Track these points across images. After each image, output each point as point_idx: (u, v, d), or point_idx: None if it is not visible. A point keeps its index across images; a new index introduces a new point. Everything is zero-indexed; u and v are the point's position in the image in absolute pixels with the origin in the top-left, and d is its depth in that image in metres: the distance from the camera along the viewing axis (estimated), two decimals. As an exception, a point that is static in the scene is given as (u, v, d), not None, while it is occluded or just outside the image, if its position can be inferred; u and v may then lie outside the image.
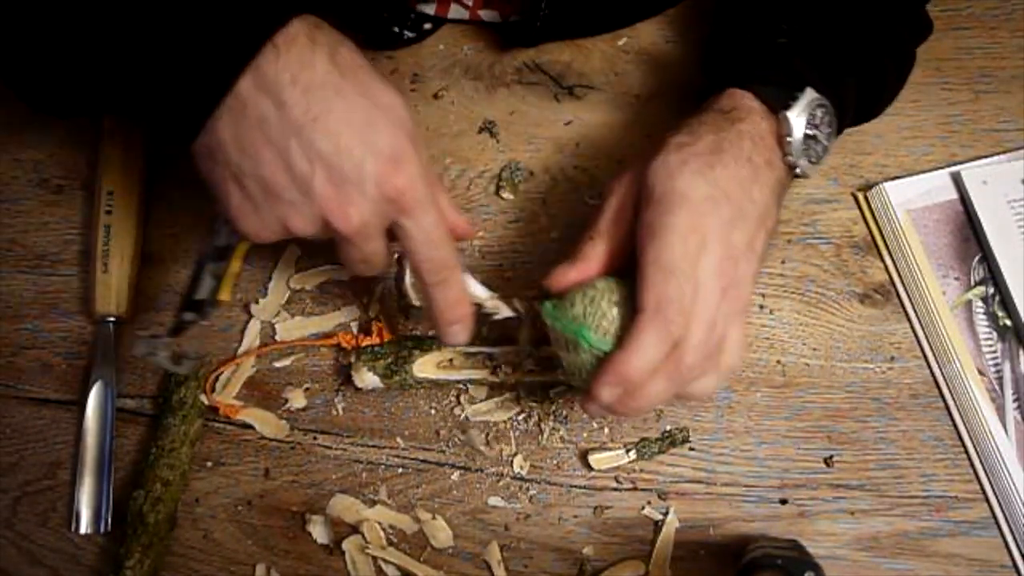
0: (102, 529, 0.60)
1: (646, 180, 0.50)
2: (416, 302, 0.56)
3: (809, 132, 0.53)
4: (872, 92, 0.59)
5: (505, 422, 0.61)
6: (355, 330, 0.63)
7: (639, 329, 0.47)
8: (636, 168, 0.52)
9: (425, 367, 0.59)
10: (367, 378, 0.59)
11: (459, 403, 0.62)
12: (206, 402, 0.61)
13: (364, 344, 0.61)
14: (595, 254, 0.52)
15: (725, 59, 0.59)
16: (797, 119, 0.53)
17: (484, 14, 0.67)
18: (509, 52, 0.69)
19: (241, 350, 0.63)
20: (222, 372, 0.62)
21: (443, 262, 0.50)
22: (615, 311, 0.49)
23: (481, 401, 0.61)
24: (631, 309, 0.48)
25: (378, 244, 0.49)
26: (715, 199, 0.49)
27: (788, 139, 0.53)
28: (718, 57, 0.61)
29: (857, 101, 0.58)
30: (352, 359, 0.60)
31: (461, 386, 0.62)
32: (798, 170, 0.54)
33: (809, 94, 0.54)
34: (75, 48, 0.47)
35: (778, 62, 0.55)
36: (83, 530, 0.60)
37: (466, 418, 0.61)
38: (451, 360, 0.60)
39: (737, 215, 0.50)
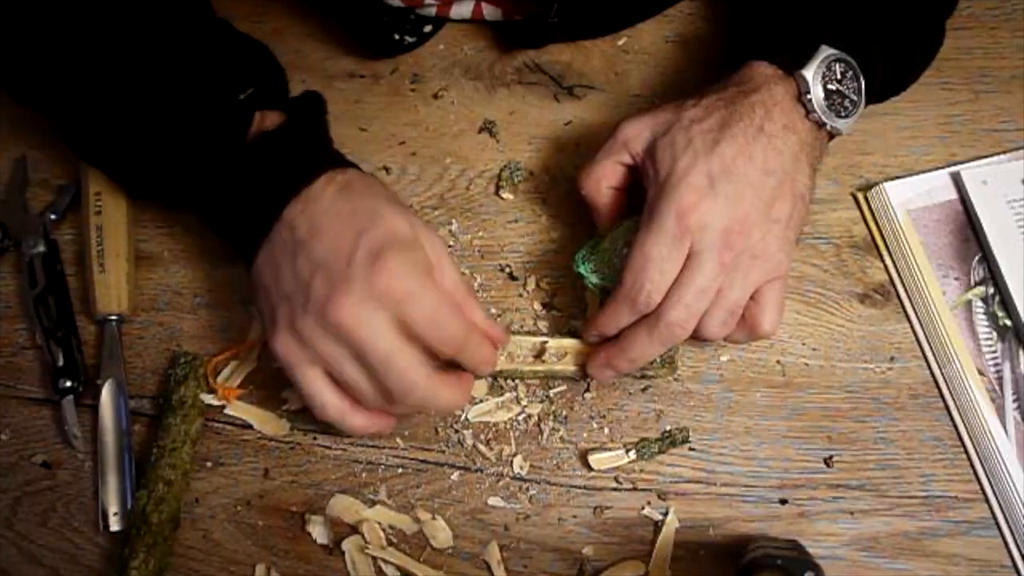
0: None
1: (654, 155, 0.54)
2: None
3: (831, 87, 0.55)
4: (901, 61, 0.60)
5: (505, 422, 0.61)
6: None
7: (610, 303, 0.55)
8: (651, 128, 0.56)
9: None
10: None
11: (459, 403, 0.62)
12: (206, 400, 0.61)
13: None
14: (611, 206, 0.59)
15: (744, 35, 0.60)
16: (814, 76, 0.54)
17: (487, 11, 0.67)
18: (509, 52, 0.69)
19: (244, 349, 0.63)
20: (224, 364, 0.62)
21: (455, 337, 0.51)
22: (625, 251, 0.55)
23: (481, 401, 0.61)
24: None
25: (391, 343, 0.49)
26: (715, 177, 0.52)
27: (808, 96, 0.54)
28: (738, 35, 0.62)
29: (885, 69, 0.58)
30: None
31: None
32: (828, 126, 0.55)
33: (824, 51, 0.55)
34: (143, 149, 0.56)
35: (791, 27, 0.57)
36: (114, 528, 0.60)
37: (466, 419, 0.61)
38: None
39: (745, 188, 0.52)
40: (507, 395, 0.62)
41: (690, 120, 0.54)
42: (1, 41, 0.56)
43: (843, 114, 0.56)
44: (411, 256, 0.50)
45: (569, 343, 0.60)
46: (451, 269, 0.54)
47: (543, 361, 0.60)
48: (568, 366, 0.60)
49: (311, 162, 0.54)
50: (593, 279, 0.58)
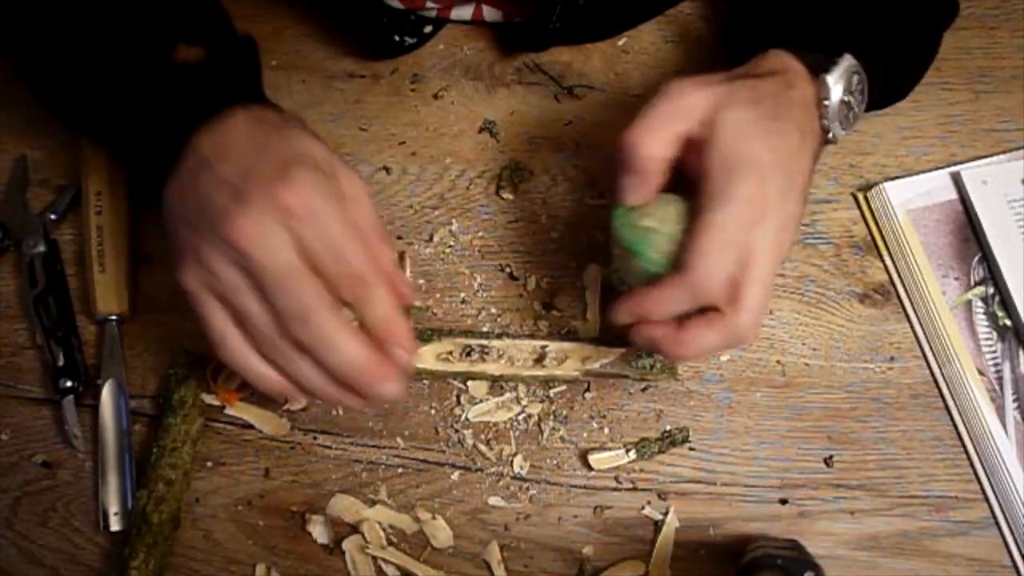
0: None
1: (716, 130, 0.50)
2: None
3: (845, 98, 0.54)
4: (901, 69, 0.60)
5: (505, 422, 0.61)
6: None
7: (669, 284, 0.50)
8: (714, 100, 0.51)
9: (425, 357, 0.59)
10: None
11: (459, 403, 0.62)
12: (207, 400, 0.61)
13: None
14: (658, 178, 0.52)
15: (765, 19, 0.59)
16: (836, 84, 0.53)
17: (488, 12, 0.67)
18: (509, 52, 0.69)
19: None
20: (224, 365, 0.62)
21: (356, 274, 0.46)
22: (678, 235, 0.50)
23: (481, 401, 0.61)
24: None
25: (290, 264, 0.45)
26: (774, 168, 0.50)
27: (825, 102, 0.53)
28: (756, 17, 0.61)
29: (886, 76, 0.58)
30: None
31: (461, 385, 0.62)
32: (830, 135, 0.55)
33: (847, 59, 0.54)
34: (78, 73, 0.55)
35: (819, 25, 0.56)
36: (114, 528, 0.60)
37: (466, 419, 0.61)
38: (450, 352, 0.60)
39: (788, 185, 0.51)
40: (507, 395, 0.62)
41: (747, 101, 0.51)
42: None
43: (844, 125, 0.55)
44: (320, 176, 0.47)
45: (570, 346, 0.60)
46: (367, 206, 0.49)
47: (543, 366, 0.60)
48: (569, 371, 0.60)
49: (227, 94, 0.52)
50: (652, 259, 0.51)
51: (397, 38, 0.66)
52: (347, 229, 0.46)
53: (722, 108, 0.50)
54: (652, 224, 0.51)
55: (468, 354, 0.60)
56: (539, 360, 0.60)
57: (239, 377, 0.62)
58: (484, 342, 0.60)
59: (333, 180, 0.48)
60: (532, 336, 0.62)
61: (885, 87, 0.59)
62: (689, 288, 0.49)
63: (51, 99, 0.60)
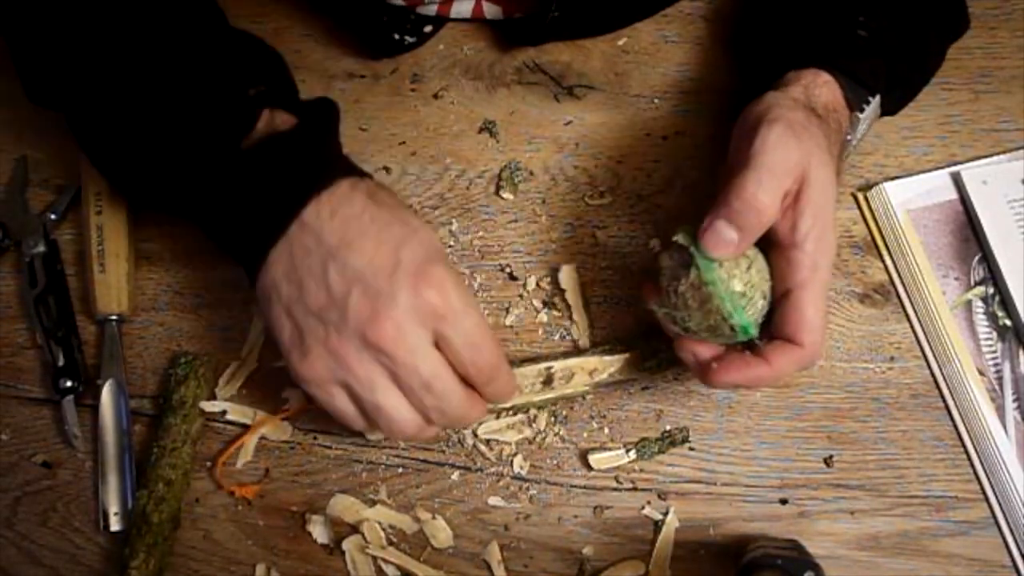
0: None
1: (808, 191, 0.50)
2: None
3: (861, 137, 0.56)
4: (909, 92, 0.62)
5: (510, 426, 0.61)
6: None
7: (778, 355, 0.51)
8: (801, 152, 0.49)
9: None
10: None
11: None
12: (205, 407, 0.61)
13: None
14: (757, 227, 0.50)
15: (797, 36, 0.59)
16: (863, 124, 0.55)
17: (487, 8, 0.67)
18: (509, 52, 0.69)
19: (245, 351, 0.63)
20: (230, 449, 0.62)
21: (489, 364, 0.50)
22: (764, 299, 0.51)
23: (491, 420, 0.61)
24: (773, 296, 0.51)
25: (434, 366, 0.48)
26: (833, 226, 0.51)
27: (848, 139, 0.55)
28: (784, 32, 0.60)
29: (899, 97, 0.60)
30: None
31: None
32: None
33: (875, 103, 0.56)
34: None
35: (859, 56, 0.56)
36: (114, 528, 0.60)
37: (474, 432, 0.61)
38: None
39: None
40: (519, 416, 0.61)
41: (826, 153, 0.51)
42: (17, 38, 0.55)
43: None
44: (454, 273, 0.48)
45: (574, 362, 0.60)
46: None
47: (552, 388, 0.59)
48: (579, 387, 0.60)
49: (330, 164, 0.51)
50: (747, 325, 0.50)
51: (397, 37, 0.66)
52: (482, 323, 0.49)
53: (812, 165, 0.50)
54: (740, 288, 0.50)
55: None
56: (547, 383, 0.60)
57: (239, 378, 0.62)
58: None
59: (458, 271, 0.50)
60: (535, 359, 0.61)
61: (894, 106, 0.61)
62: (801, 361, 0.51)
63: (110, 170, 0.57)
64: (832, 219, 0.50)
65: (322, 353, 0.48)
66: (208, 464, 0.61)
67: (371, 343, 0.46)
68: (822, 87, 0.55)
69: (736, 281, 0.49)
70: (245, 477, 0.61)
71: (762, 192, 0.48)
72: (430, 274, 0.47)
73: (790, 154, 0.49)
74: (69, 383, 0.62)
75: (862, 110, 0.55)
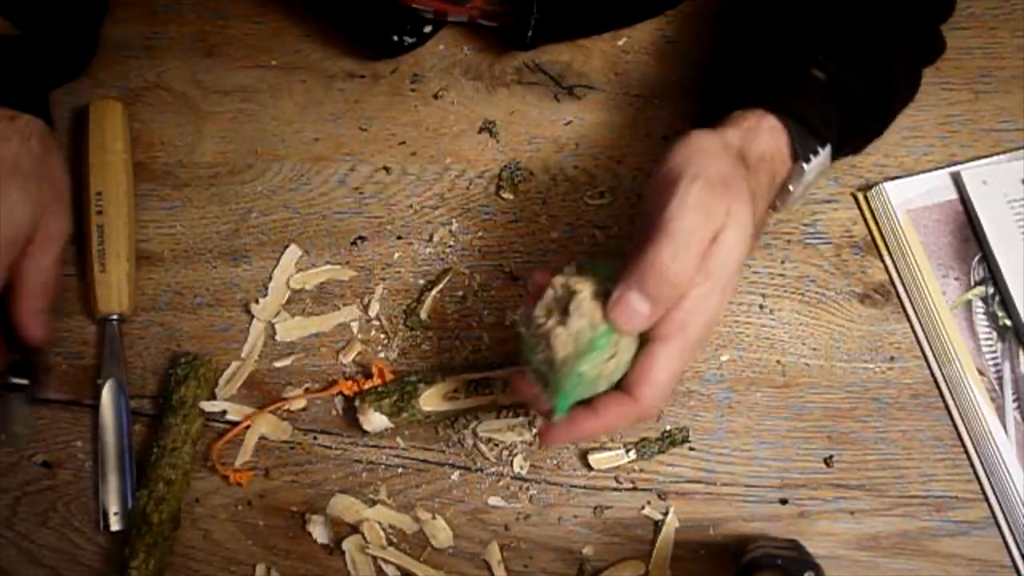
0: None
1: (719, 247, 0.47)
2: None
3: (804, 190, 0.54)
4: (864, 140, 0.61)
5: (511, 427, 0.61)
6: (355, 330, 0.63)
7: (612, 409, 0.48)
8: (725, 203, 0.47)
9: (431, 399, 0.59)
10: (375, 419, 0.58)
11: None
12: (204, 407, 0.61)
13: (366, 387, 0.60)
14: (672, 300, 0.47)
15: (752, 71, 0.57)
16: (808, 175, 0.53)
17: (483, 22, 0.68)
18: (509, 52, 0.69)
19: (245, 351, 0.63)
20: (227, 440, 0.61)
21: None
22: (609, 385, 0.47)
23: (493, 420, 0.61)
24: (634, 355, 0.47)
25: None
26: (731, 283, 0.48)
27: (790, 188, 0.53)
28: (741, 65, 0.59)
29: (847, 150, 0.60)
30: (356, 403, 0.59)
31: (474, 418, 0.61)
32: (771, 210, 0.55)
33: (826, 152, 0.54)
34: None
35: (812, 101, 0.54)
36: (115, 527, 0.60)
37: (474, 432, 0.61)
38: (456, 390, 0.59)
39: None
40: (520, 419, 0.61)
41: (747, 207, 0.48)
42: None
43: (781, 207, 0.55)
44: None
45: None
46: (49, 256, 0.59)
47: (485, 395, 0.59)
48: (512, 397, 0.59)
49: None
50: (592, 380, 0.47)
51: (396, 38, 0.66)
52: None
53: (727, 225, 0.46)
54: (592, 374, 0.46)
55: (475, 388, 0.60)
56: (479, 388, 0.60)
57: (239, 377, 0.62)
58: (488, 374, 0.60)
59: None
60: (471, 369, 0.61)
61: (848, 153, 0.60)
62: (632, 415, 0.48)
63: None
64: (730, 282, 0.47)
65: None
66: (208, 463, 0.61)
67: None
68: (765, 133, 0.52)
69: (589, 364, 0.46)
70: (249, 487, 0.61)
71: (678, 265, 0.44)
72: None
73: (708, 220, 0.46)
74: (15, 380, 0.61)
75: (808, 160, 0.52)
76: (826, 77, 0.54)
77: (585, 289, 0.46)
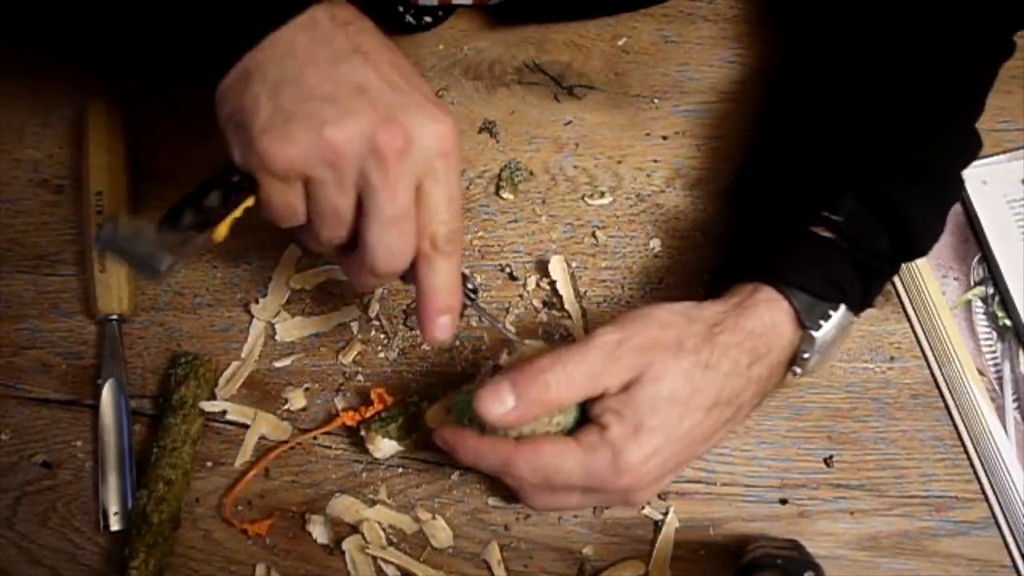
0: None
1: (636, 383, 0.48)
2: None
3: (826, 349, 0.51)
4: (915, 257, 0.56)
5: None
6: (355, 330, 0.63)
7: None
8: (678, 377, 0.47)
9: (436, 416, 0.57)
10: (384, 446, 0.58)
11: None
12: (205, 407, 0.61)
13: (369, 414, 0.60)
14: (539, 410, 0.48)
15: (754, 242, 0.55)
16: (822, 338, 0.50)
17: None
18: (509, 52, 0.69)
19: (245, 351, 0.63)
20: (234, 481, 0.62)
21: (453, 229, 0.45)
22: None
23: None
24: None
25: (407, 204, 0.43)
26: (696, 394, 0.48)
27: (804, 355, 0.51)
28: (745, 231, 0.58)
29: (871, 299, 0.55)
30: (362, 432, 0.59)
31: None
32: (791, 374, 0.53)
33: (842, 312, 0.51)
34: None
35: (813, 266, 0.51)
36: (114, 527, 0.60)
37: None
38: None
39: (708, 405, 0.48)
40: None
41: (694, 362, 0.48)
42: None
43: (810, 369, 0.53)
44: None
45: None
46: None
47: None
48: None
49: None
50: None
51: (401, 9, 0.64)
52: (460, 190, 0.45)
53: (647, 373, 0.47)
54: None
55: None
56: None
57: (239, 378, 0.62)
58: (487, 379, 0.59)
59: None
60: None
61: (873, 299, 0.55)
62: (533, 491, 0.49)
63: (39, 28, 0.50)
64: (676, 430, 0.47)
65: (309, 140, 0.41)
66: (217, 505, 0.61)
67: (375, 147, 0.41)
68: (760, 306, 0.50)
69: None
70: (248, 487, 0.61)
71: (553, 377, 0.46)
72: (444, 110, 0.44)
73: (607, 359, 0.47)
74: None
75: (818, 327, 0.50)
76: (832, 233, 0.51)
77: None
